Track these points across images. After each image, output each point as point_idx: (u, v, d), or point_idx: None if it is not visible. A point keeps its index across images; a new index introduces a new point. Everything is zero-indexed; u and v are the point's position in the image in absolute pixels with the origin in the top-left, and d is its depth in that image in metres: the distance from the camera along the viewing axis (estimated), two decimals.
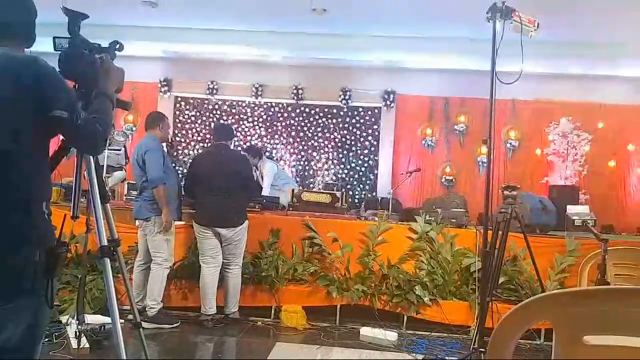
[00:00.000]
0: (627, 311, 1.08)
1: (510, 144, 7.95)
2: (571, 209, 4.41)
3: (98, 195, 2.22)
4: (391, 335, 4.27)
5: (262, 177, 6.64)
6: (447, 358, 3.85)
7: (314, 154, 8.41)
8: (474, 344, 3.18)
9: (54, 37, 2.16)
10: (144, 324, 4.15)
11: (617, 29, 6.34)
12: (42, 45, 2.08)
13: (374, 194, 8.10)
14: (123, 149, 6.54)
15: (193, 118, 8.62)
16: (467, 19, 5.38)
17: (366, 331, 4.35)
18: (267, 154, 7.98)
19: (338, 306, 4.70)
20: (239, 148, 8.26)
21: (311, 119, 8.44)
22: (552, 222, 4.99)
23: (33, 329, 1.74)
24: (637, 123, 7.71)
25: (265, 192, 6.48)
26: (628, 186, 7.79)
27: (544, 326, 4.25)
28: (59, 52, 2.16)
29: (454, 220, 4.97)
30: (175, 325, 4.34)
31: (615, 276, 3.48)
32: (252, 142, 8.44)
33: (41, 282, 1.73)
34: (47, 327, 3.80)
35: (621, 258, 3.60)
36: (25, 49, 1.92)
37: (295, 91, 8.27)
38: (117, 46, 2.32)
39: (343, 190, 6.46)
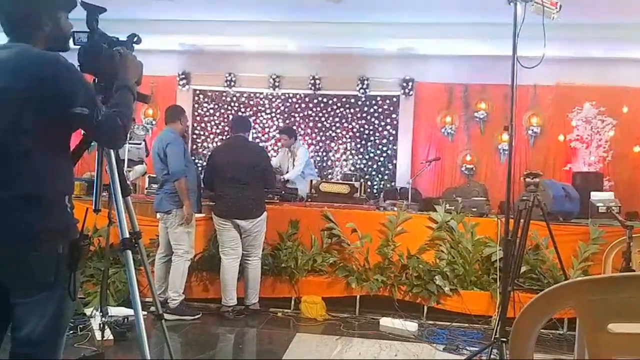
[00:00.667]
0: None
1: (532, 130, 7.80)
2: (595, 195, 4.34)
3: (119, 189, 2.24)
4: (411, 326, 4.26)
5: (293, 159, 6.64)
6: (468, 348, 3.83)
7: (332, 144, 8.39)
8: (495, 334, 3.15)
9: (73, 32, 2.18)
10: (166, 316, 4.20)
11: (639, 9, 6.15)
12: None
13: (392, 183, 8.05)
14: (143, 142, 6.62)
15: (212, 111, 8.66)
16: (486, 3, 5.28)
17: (386, 322, 4.35)
18: None
19: (357, 297, 4.70)
20: (258, 140, 8.29)
21: (329, 109, 8.40)
22: (575, 210, 4.89)
23: (57, 321, 1.77)
24: None
25: (297, 173, 6.49)
26: None
27: (566, 315, 4.19)
28: (78, 46, 2.19)
29: (474, 209, 4.91)
30: (197, 316, 4.40)
31: None
32: (271, 134, 8.46)
33: (64, 274, 1.76)
34: (72, 320, 3.89)
35: None
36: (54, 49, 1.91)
37: (312, 81, 8.24)
38: (135, 39, 2.33)
39: (362, 180, 6.44)
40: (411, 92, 8.09)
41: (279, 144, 7.48)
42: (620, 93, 7.48)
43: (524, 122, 7.80)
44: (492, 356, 3.12)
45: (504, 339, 2.94)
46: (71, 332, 3.75)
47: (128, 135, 1.97)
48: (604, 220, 4.53)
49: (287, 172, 6.60)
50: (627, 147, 7.51)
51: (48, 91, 1.72)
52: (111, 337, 3.59)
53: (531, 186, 3.54)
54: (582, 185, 5.94)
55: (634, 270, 3.14)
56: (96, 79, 2.30)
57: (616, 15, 6.35)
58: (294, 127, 8.09)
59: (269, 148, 8.30)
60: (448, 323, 4.48)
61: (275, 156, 7.37)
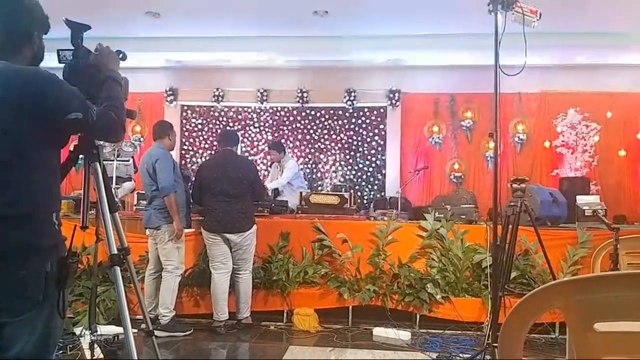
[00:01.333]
0: (637, 296, 1.07)
1: (519, 137, 7.89)
2: (581, 199, 4.39)
3: (107, 205, 2.23)
4: (404, 335, 4.25)
5: (282, 171, 6.68)
6: (461, 355, 3.83)
7: (321, 156, 8.42)
8: (487, 340, 3.16)
9: (58, 50, 2.19)
10: (157, 332, 4.16)
11: (623, 17, 6.28)
12: (47, 61, 2.11)
13: (382, 193, 8.08)
14: (131, 159, 6.59)
15: (200, 126, 8.66)
16: (469, 14, 5.37)
17: (379, 331, 4.34)
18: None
19: (350, 307, 4.69)
20: (246, 154, 8.30)
21: (317, 122, 8.45)
22: (563, 215, 4.94)
23: (46, 340, 1.75)
24: None
25: (282, 183, 6.55)
26: (639, 175, 7.70)
27: (558, 319, 4.22)
28: (64, 64, 2.19)
29: (463, 217, 4.94)
30: (188, 332, 4.35)
31: (628, 265, 3.44)
32: (259, 148, 8.47)
33: (53, 293, 1.74)
34: (61, 339, 3.83)
35: (634, 247, 3.55)
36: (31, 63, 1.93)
37: (300, 94, 8.29)
38: (121, 56, 2.34)
39: (351, 191, 6.44)
40: (398, 103, 8.16)
41: (268, 157, 7.49)
42: (604, 98, 7.61)
43: (510, 129, 7.89)
44: None
45: (496, 345, 2.95)
46: (60, 351, 3.69)
47: (125, 127, 2.00)
48: (591, 224, 4.58)
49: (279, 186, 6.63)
50: (612, 151, 7.62)
51: (39, 103, 1.72)
52: (101, 356, 3.53)
53: (518, 192, 3.57)
54: (569, 190, 6.00)
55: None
56: None
57: (599, 23, 6.48)
58: (282, 141, 8.12)
59: (258, 162, 8.30)
60: (441, 331, 4.48)
61: (264, 169, 7.39)
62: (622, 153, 7.67)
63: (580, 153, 7.49)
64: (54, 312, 1.75)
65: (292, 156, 7.73)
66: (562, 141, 7.60)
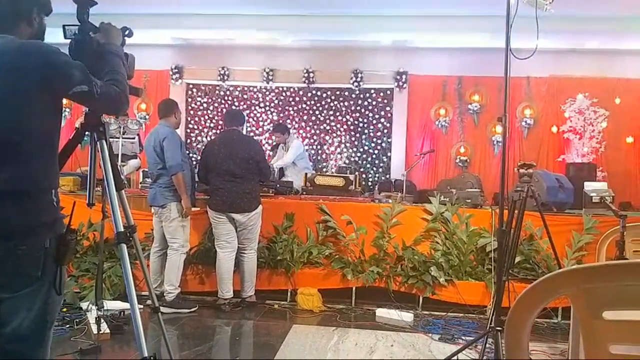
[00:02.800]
0: None
1: (526, 122, 7.84)
2: (589, 185, 4.36)
3: (113, 182, 2.24)
4: (407, 316, 4.28)
5: (287, 151, 6.67)
6: (463, 338, 3.86)
7: (327, 137, 8.39)
8: (490, 323, 3.17)
9: (64, 25, 2.17)
10: (163, 309, 4.21)
11: (634, 2, 6.17)
12: (53, 36, 2.09)
13: (387, 176, 8.07)
14: (137, 137, 6.59)
15: (205, 105, 8.63)
16: None
17: (382, 312, 4.37)
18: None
19: (353, 288, 4.72)
20: (252, 133, 8.28)
21: (323, 103, 8.40)
22: (569, 200, 4.92)
23: (44, 315, 1.76)
24: None
25: (288, 162, 6.55)
26: None
27: (561, 304, 4.23)
28: (70, 39, 2.17)
29: (469, 201, 4.93)
30: (193, 309, 4.40)
31: (634, 253, 3.43)
32: (265, 127, 8.45)
33: (51, 269, 1.75)
34: (68, 314, 3.89)
35: None
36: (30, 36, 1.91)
37: (306, 75, 8.23)
38: (127, 32, 2.31)
39: (356, 173, 6.44)
40: (405, 85, 8.10)
41: (273, 137, 7.47)
42: (613, 84, 7.52)
43: (518, 113, 7.83)
44: (487, 345, 3.15)
45: (499, 328, 2.97)
46: (67, 326, 3.75)
47: (128, 98, 2.00)
48: (597, 210, 4.57)
49: (285, 165, 6.63)
50: (620, 138, 7.56)
51: (45, 77, 1.71)
52: (107, 330, 3.59)
53: (525, 177, 3.56)
54: (576, 176, 5.98)
55: (628, 260, 3.17)
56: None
57: (609, 8, 6.37)
58: (286, 122, 8.09)
59: (263, 142, 8.29)
60: (443, 313, 4.51)
61: (269, 149, 7.38)
62: (629, 140, 7.61)
63: (587, 139, 7.43)
64: (52, 288, 1.76)
65: (297, 136, 7.71)
66: (570, 126, 7.54)
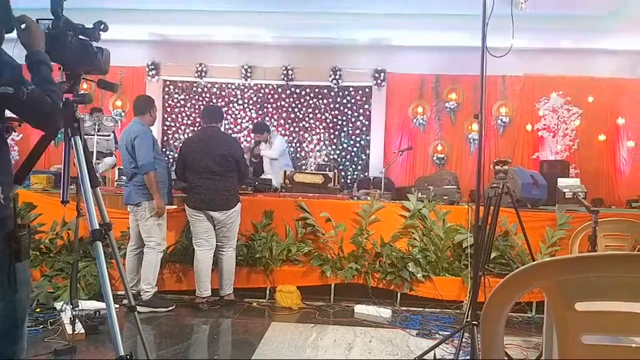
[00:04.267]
0: (616, 277, 1.09)
1: (501, 120, 7.97)
2: (562, 181, 4.46)
3: (88, 180, 2.20)
4: (385, 312, 4.31)
5: (270, 147, 6.67)
6: (440, 332, 3.90)
7: (306, 135, 8.39)
8: (467, 318, 3.22)
9: (37, 19, 2.12)
10: (139, 308, 4.14)
11: (607, 2, 6.31)
12: None
13: (366, 173, 8.12)
14: (112, 134, 6.49)
15: (182, 102, 8.55)
16: None
17: (360, 309, 4.39)
18: None
19: (332, 285, 4.73)
20: (230, 131, 8.22)
21: (302, 100, 8.39)
22: (543, 197, 5.02)
23: (11, 314, 1.73)
24: (627, 96, 7.75)
25: (273, 155, 6.61)
26: (618, 160, 7.86)
27: (535, 299, 4.32)
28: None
29: (445, 198, 4.99)
30: (171, 308, 4.35)
31: (606, 247, 3.52)
32: (243, 125, 8.40)
33: (3, 267, 1.72)
34: (42, 314, 3.82)
35: (611, 230, 3.64)
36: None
37: (285, 72, 8.21)
38: (102, 26, 2.28)
39: (335, 170, 6.47)
40: (383, 83, 8.15)
41: (252, 135, 7.44)
42: (586, 83, 7.69)
43: (494, 112, 7.96)
44: (463, 339, 3.19)
45: (475, 322, 3.01)
46: (41, 326, 3.67)
47: (61, 116, 1.86)
48: (571, 206, 4.67)
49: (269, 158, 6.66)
50: (592, 136, 7.75)
51: None
52: (82, 330, 3.52)
53: (500, 174, 3.60)
54: (549, 173, 6.10)
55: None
56: (62, 67, 2.26)
57: (583, 7, 6.50)
58: (265, 120, 8.07)
59: (242, 139, 8.24)
60: (421, 309, 4.55)
61: (248, 147, 7.35)
62: (602, 138, 7.80)
63: (561, 137, 7.59)
64: (6, 285, 1.72)
65: (277, 134, 7.70)
66: (544, 124, 7.69)
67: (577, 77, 7.66)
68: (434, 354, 3.23)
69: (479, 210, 3.21)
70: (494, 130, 7.96)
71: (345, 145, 8.37)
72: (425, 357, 3.21)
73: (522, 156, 7.82)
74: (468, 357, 3.21)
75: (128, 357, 2.12)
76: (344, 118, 8.36)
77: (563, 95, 7.55)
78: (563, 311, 1.13)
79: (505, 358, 2.98)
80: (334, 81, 8.18)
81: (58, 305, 4.04)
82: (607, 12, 6.55)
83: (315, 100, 8.38)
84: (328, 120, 8.36)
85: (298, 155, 8.36)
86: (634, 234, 3.67)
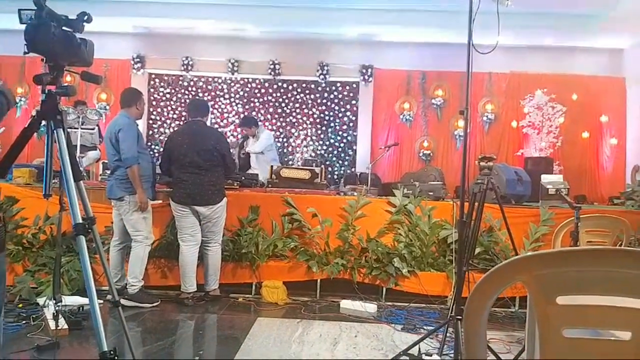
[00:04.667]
0: (597, 271, 1.11)
1: (487, 117, 8.03)
2: (545, 177, 4.51)
3: (71, 173, 2.17)
4: (371, 307, 4.34)
5: (257, 140, 6.65)
6: (425, 327, 3.93)
7: (293, 130, 8.37)
8: (451, 313, 3.25)
9: (19, 10, 2.09)
10: (124, 302, 4.14)
11: (591, 1, 6.38)
12: (8, 22, 2.01)
13: (353, 169, 8.13)
14: (96, 128, 6.42)
15: (168, 95, 8.47)
16: None
17: (346, 304, 4.41)
18: None
19: (318, 280, 4.74)
20: (216, 125, 8.17)
21: (289, 95, 8.37)
22: (527, 193, 5.08)
23: None
24: (611, 94, 7.85)
25: (257, 150, 6.57)
26: (601, 157, 7.97)
27: (518, 294, 4.37)
28: (25, 24, 2.09)
29: (431, 193, 5.02)
30: (156, 304, 4.32)
31: (588, 243, 3.58)
32: (230, 119, 8.36)
33: None
34: (24, 309, 3.77)
35: (593, 226, 3.70)
36: None
37: (272, 66, 8.18)
38: (86, 18, 2.25)
39: (322, 166, 6.46)
40: (370, 79, 8.15)
41: (238, 130, 7.42)
42: (571, 81, 7.78)
43: (479, 108, 8.01)
44: (447, 334, 3.22)
45: (459, 317, 3.04)
46: (24, 322, 3.63)
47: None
48: (554, 202, 4.73)
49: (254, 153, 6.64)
50: (576, 133, 7.84)
51: None
52: (66, 326, 3.49)
53: (485, 170, 3.63)
54: (533, 170, 6.17)
55: None
56: (44, 59, 2.22)
57: (568, 5, 6.56)
58: (252, 114, 8.03)
59: (228, 134, 8.20)
60: (406, 304, 4.58)
61: (234, 142, 7.32)
62: (585, 135, 7.90)
63: (545, 134, 7.68)
64: None
65: (264, 129, 7.69)
66: (529, 121, 7.76)
67: (561, 75, 7.74)
68: (419, 348, 3.26)
69: (463, 206, 3.23)
70: (480, 127, 8.02)
71: (332, 141, 8.37)
72: (410, 352, 3.24)
73: (507, 153, 7.89)
74: (452, 352, 3.24)
75: (112, 352, 2.10)
76: (331, 113, 8.36)
77: (548, 93, 7.63)
78: (544, 305, 1.15)
79: (489, 352, 3.01)
80: (321, 76, 8.17)
81: (41, 300, 3.99)
82: (592, 10, 6.63)
83: (302, 95, 8.37)
84: (315, 116, 8.35)
85: (285, 151, 8.34)
86: (615, 230, 3.74)
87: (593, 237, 3.69)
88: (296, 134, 8.37)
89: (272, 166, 5.78)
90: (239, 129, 7.71)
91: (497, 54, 3.38)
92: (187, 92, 8.43)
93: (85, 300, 3.77)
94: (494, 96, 8.03)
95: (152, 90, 8.46)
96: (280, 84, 8.34)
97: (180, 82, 8.42)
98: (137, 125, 4.49)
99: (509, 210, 4.04)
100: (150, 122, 8.45)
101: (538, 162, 7.04)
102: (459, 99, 7.79)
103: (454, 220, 4.67)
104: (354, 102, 8.35)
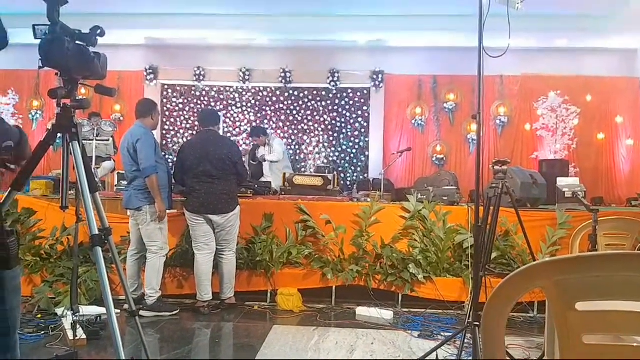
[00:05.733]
0: (617, 276, 1.09)
1: (500, 120, 7.98)
2: (561, 180, 4.46)
3: (87, 185, 2.20)
4: (387, 314, 4.31)
5: (270, 150, 6.68)
6: (442, 334, 3.90)
7: (305, 137, 8.40)
8: (468, 319, 3.21)
9: (34, 25, 2.12)
10: (144, 313, 4.17)
11: (602, 1, 6.32)
12: (24, 37, 2.04)
13: (365, 175, 8.12)
14: (111, 139, 6.49)
15: (181, 105, 8.55)
16: None
17: (362, 311, 4.39)
18: None
19: (333, 287, 4.73)
20: (229, 134, 8.23)
21: (300, 103, 8.40)
22: (542, 196, 5.02)
23: (2, 322, 1.71)
24: (625, 95, 7.76)
25: (277, 157, 6.61)
26: (617, 158, 7.87)
27: (537, 299, 4.32)
28: (40, 39, 2.13)
29: (445, 198, 4.99)
30: (175, 312, 4.34)
31: (606, 246, 3.52)
32: (242, 128, 8.41)
33: None
34: (43, 319, 3.81)
35: (611, 228, 3.64)
36: None
37: (283, 74, 8.22)
38: (99, 32, 2.28)
39: (335, 172, 6.46)
40: (381, 85, 8.16)
41: (250, 139, 7.46)
42: (584, 82, 7.71)
43: (492, 112, 7.97)
44: (465, 340, 3.19)
45: (477, 323, 3.01)
46: (42, 332, 3.67)
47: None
48: (570, 206, 4.67)
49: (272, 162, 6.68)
50: (591, 134, 7.76)
51: None
52: (84, 336, 3.52)
53: (500, 174, 3.60)
54: (549, 173, 6.11)
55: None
56: (59, 73, 2.25)
57: (580, 7, 6.51)
58: (264, 123, 8.08)
59: (240, 142, 8.25)
60: (422, 310, 4.54)
61: (245, 149, 7.37)
62: (600, 136, 7.81)
63: (560, 136, 7.61)
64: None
65: (275, 137, 7.73)
66: (543, 124, 7.70)
67: (574, 77, 7.67)
68: (437, 355, 3.22)
69: (478, 210, 3.21)
70: (493, 131, 7.97)
71: (344, 147, 8.37)
72: (427, 359, 3.21)
73: (521, 156, 7.83)
74: (470, 358, 3.20)
75: None
76: (343, 120, 8.37)
77: (561, 95, 7.57)
78: (564, 311, 1.13)
79: (508, 358, 2.97)
80: (332, 83, 8.19)
81: (59, 311, 4.03)
82: (603, 11, 6.57)
83: (313, 102, 8.39)
84: (327, 122, 8.37)
85: (297, 158, 8.36)
86: (634, 233, 3.67)
87: (611, 239, 3.62)
88: (308, 141, 8.39)
89: (284, 174, 5.80)
90: (250, 139, 7.75)
91: (508, 56, 3.35)
92: (199, 102, 8.51)
93: (102, 310, 3.80)
94: (506, 99, 7.98)
95: (165, 100, 8.55)
96: (291, 91, 8.37)
97: (192, 92, 8.50)
98: (154, 135, 4.53)
99: (524, 214, 4.00)
100: (164, 132, 8.54)
101: (553, 164, 6.96)
102: (471, 102, 7.76)
103: (469, 225, 4.63)
104: (365, 108, 8.36)
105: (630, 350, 1.14)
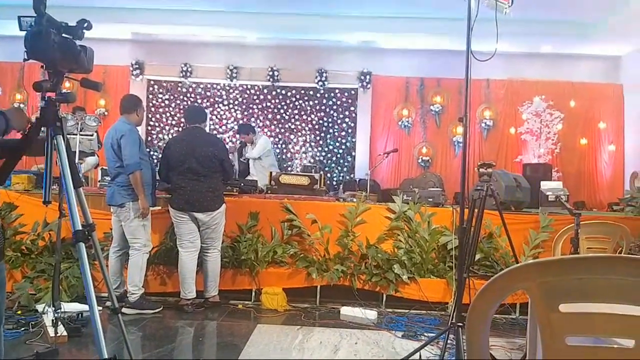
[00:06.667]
0: (599, 279, 1.11)
1: (485, 123, 8.05)
2: (545, 184, 4.51)
3: (70, 180, 2.16)
4: (371, 314, 4.32)
5: (254, 147, 6.67)
6: (426, 334, 3.92)
7: (292, 136, 8.38)
8: (451, 320, 3.24)
9: (19, 17, 2.09)
10: (126, 310, 4.13)
11: (588, 8, 6.42)
12: (8, 28, 2.01)
13: (352, 175, 8.14)
14: (95, 134, 6.40)
15: (167, 102, 8.48)
16: None
17: (346, 311, 4.39)
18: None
19: (318, 287, 4.73)
20: (215, 132, 8.18)
21: (287, 101, 8.39)
22: (526, 199, 5.08)
23: None
24: (608, 101, 7.89)
25: (253, 155, 6.61)
26: (599, 163, 7.99)
27: (519, 300, 4.37)
28: (25, 31, 2.10)
29: (430, 200, 5.02)
30: (158, 310, 4.31)
31: (588, 250, 3.58)
32: (228, 126, 8.37)
33: None
34: (23, 316, 3.75)
35: (593, 232, 3.70)
36: None
37: (270, 73, 8.20)
38: (85, 25, 2.24)
39: (321, 172, 6.47)
40: (369, 86, 8.18)
41: (237, 136, 7.43)
42: (568, 88, 7.82)
43: (478, 115, 8.04)
44: (448, 341, 3.21)
45: (460, 324, 3.03)
46: (23, 329, 3.61)
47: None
48: (553, 209, 4.73)
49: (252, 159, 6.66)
50: (574, 140, 7.87)
51: None
52: (65, 333, 3.47)
53: (484, 176, 3.64)
54: (532, 176, 6.18)
55: None
56: (44, 66, 2.22)
57: (566, 13, 6.60)
58: (251, 121, 8.05)
59: (227, 140, 8.21)
60: (406, 310, 4.57)
61: (232, 146, 7.34)
62: (583, 141, 7.92)
63: (543, 140, 7.71)
64: None
65: (262, 135, 7.72)
66: (527, 128, 7.80)
67: (559, 82, 7.78)
68: (420, 355, 3.24)
69: (463, 212, 3.23)
70: (478, 134, 8.04)
71: (331, 147, 8.38)
72: (411, 359, 3.23)
73: (506, 159, 7.92)
74: (453, 359, 3.23)
75: (111, 359, 2.09)
76: (330, 120, 8.37)
77: (546, 100, 7.66)
78: (547, 313, 1.14)
79: (490, 359, 3.00)
80: (320, 83, 8.19)
81: (40, 307, 3.98)
82: (589, 18, 6.67)
83: (300, 101, 8.38)
84: (314, 122, 8.37)
85: (284, 157, 8.35)
86: (615, 237, 3.74)
87: (593, 243, 3.69)
88: (295, 140, 8.38)
89: (271, 172, 5.79)
90: (237, 136, 7.73)
91: (495, 60, 3.39)
92: (185, 98, 8.44)
93: (84, 307, 3.75)
94: (492, 103, 8.06)
95: (150, 96, 8.47)
96: (279, 90, 8.35)
97: (179, 89, 8.44)
98: (138, 131, 4.48)
99: (508, 217, 4.05)
100: (149, 128, 8.46)
101: (537, 168, 7.05)
102: (457, 105, 7.82)
103: (453, 226, 4.67)
104: (352, 108, 8.37)
105: (612, 352, 1.15)
